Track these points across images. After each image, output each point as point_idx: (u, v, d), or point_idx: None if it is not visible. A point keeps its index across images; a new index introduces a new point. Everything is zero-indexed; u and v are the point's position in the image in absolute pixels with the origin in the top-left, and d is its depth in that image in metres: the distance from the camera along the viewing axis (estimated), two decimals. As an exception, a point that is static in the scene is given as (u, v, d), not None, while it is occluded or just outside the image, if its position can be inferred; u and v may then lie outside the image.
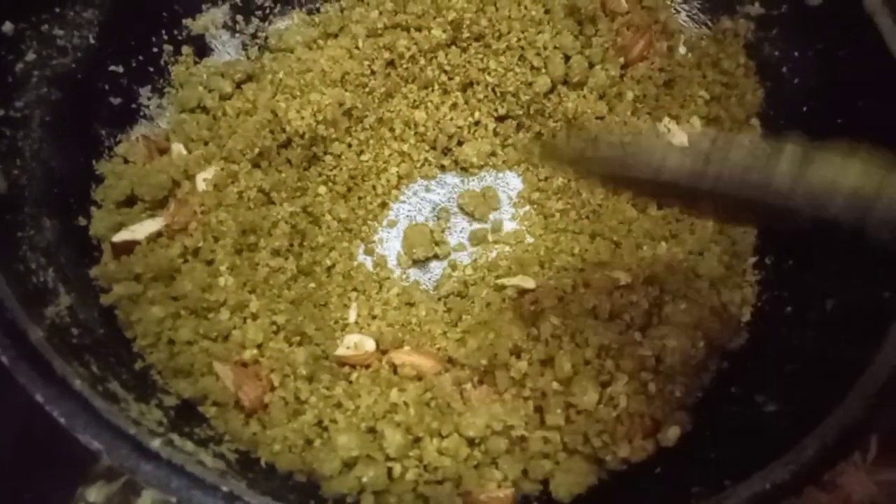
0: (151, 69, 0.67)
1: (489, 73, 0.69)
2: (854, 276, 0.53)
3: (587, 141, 0.61)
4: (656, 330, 0.56)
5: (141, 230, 0.58)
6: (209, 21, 0.70)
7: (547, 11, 0.70)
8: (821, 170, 0.36)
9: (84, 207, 0.59)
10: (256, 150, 0.63)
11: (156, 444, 0.43)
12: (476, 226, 0.69)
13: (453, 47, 0.69)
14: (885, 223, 0.34)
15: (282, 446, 0.51)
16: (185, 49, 0.69)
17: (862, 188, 0.35)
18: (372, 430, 0.52)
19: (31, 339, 0.45)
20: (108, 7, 0.62)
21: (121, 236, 0.58)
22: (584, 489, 0.51)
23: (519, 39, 0.68)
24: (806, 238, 0.58)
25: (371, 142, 0.69)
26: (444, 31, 0.68)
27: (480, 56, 0.69)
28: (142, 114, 0.66)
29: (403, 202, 0.70)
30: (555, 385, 0.54)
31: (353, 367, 0.59)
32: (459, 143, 0.71)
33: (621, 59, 0.69)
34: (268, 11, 0.73)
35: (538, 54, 0.68)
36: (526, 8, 0.69)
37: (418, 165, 0.71)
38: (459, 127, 0.70)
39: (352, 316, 0.62)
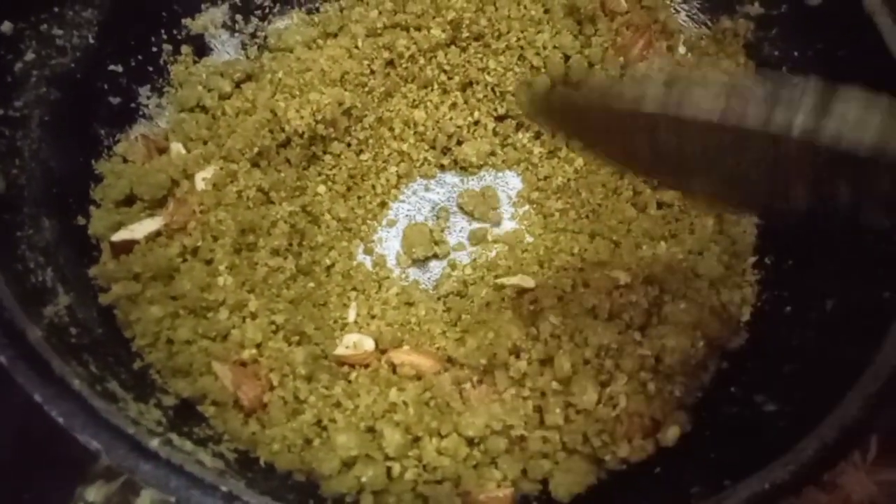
0: (151, 69, 0.67)
1: (489, 73, 0.69)
2: (854, 276, 0.53)
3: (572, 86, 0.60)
4: (656, 330, 0.56)
5: (140, 229, 0.58)
6: (208, 20, 0.70)
7: (546, 11, 0.70)
8: (847, 104, 0.34)
9: (83, 207, 0.59)
10: (256, 150, 0.63)
11: (154, 443, 0.43)
12: (475, 225, 0.69)
13: (453, 47, 0.69)
14: None
15: (281, 446, 0.51)
16: (185, 48, 0.69)
17: (891, 125, 0.33)
18: (371, 430, 0.52)
19: (29, 339, 0.45)
20: (108, 7, 0.62)
21: (120, 236, 0.58)
22: (584, 489, 0.51)
23: (518, 39, 0.68)
24: (806, 238, 0.58)
25: (370, 141, 0.69)
26: (444, 31, 0.68)
27: (480, 56, 0.70)
28: (141, 113, 0.66)
29: (403, 202, 0.70)
30: (554, 385, 0.53)
31: (353, 366, 0.59)
32: (459, 143, 0.71)
33: (621, 59, 0.68)
34: (267, 11, 0.73)
35: (538, 54, 0.68)
36: (525, 7, 0.69)
37: (418, 165, 0.71)
38: (459, 126, 0.70)
39: (351, 315, 0.62)
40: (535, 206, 0.69)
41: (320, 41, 0.71)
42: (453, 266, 0.66)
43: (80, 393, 0.44)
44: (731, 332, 0.58)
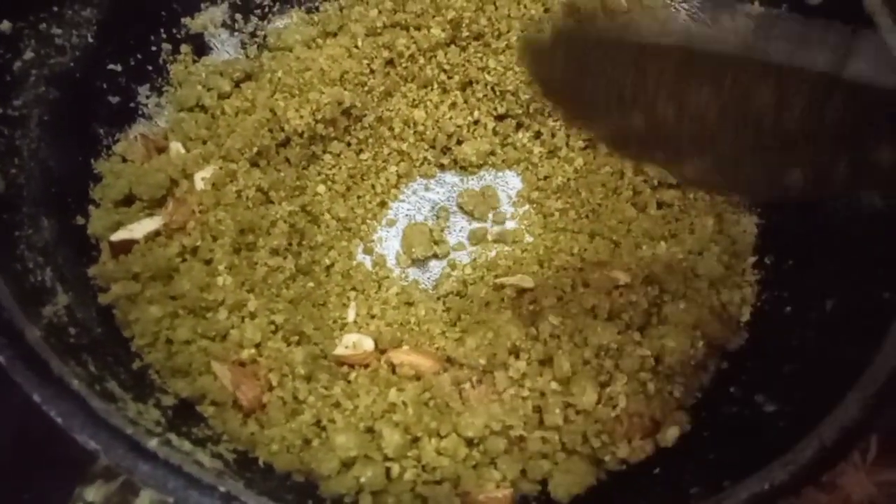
0: (150, 68, 0.67)
1: (488, 72, 0.69)
2: (854, 276, 0.53)
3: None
4: (655, 330, 0.56)
5: (139, 229, 0.58)
6: (208, 20, 0.70)
7: (546, 10, 0.69)
8: (870, 44, 0.33)
9: (82, 206, 0.59)
10: (255, 149, 0.63)
11: (153, 443, 0.43)
12: (475, 225, 0.69)
13: (452, 46, 0.69)
14: None
15: (280, 446, 0.51)
16: (184, 48, 0.69)
17: None
18: (370, 430, 0.52)
19: (28, 339, 0.45)
20: (107, 6, 0.62)
21: (119, 235, 0.58)
22: (583, 489, 0.51)
23: (519, 38, 0.68)
24: (806, 238, 0.58)
25: (370, 141, 0.69)
26: (444, 30, 0.68)
27: (480, 55, 0.69)
28: (140, 112, 0.66)
29: (402, 201, 0.70)
30: (553, 385, 0.53)
31: (352, 366, 0.59)
32: (459, 142, 0.71)
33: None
34: (267, 10, 0.72)
35: (538, 53, 0.68)
36: (525, 7, 0.69)
37: (417, 164, 0.71)
38: (459, 126, 0.70)
39: (350, 315, 0.62)
40: (534, 205, 0.69)
41: (320, 40, 0.71)
42: (453, 266, 0.66)
43: (78, 393, 0.43)
44: (731, 333, 0.58)
